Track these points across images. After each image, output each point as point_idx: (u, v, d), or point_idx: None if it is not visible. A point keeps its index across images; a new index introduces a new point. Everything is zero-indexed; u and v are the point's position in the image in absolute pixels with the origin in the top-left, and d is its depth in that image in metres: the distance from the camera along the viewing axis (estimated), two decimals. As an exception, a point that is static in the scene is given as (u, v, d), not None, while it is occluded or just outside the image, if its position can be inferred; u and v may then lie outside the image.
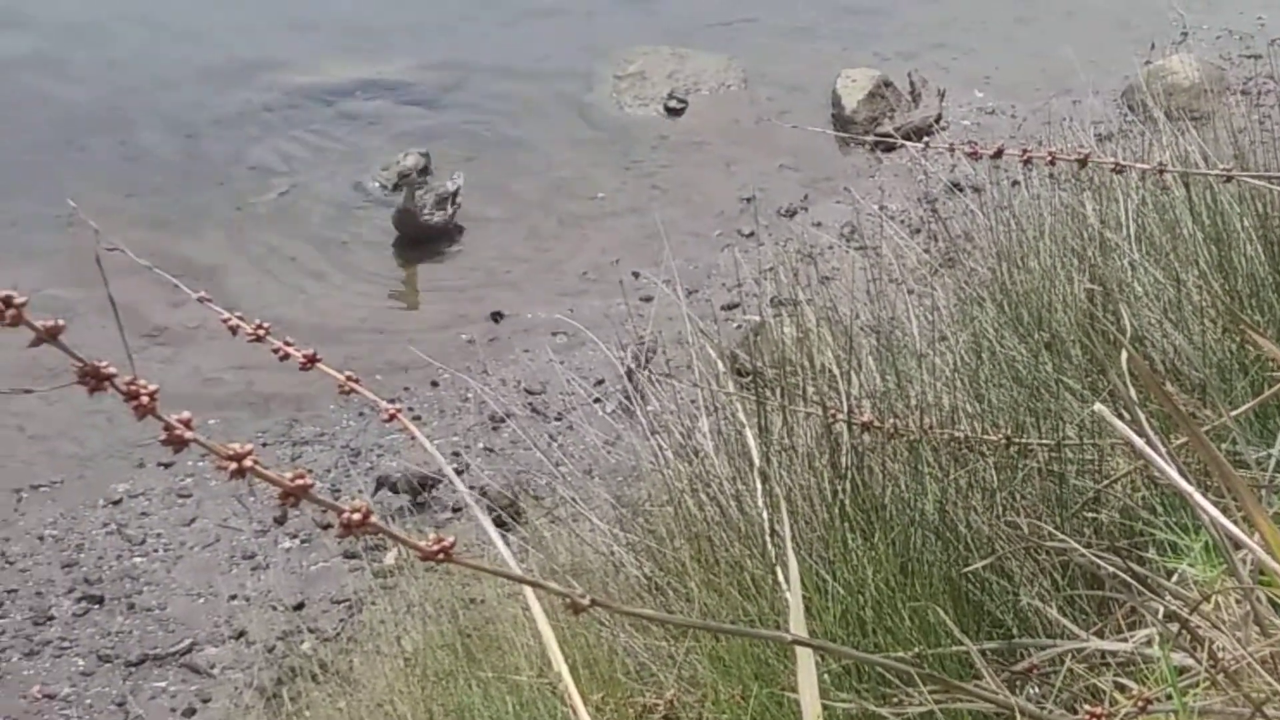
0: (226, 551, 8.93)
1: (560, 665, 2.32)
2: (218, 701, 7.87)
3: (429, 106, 13.85)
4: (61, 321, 2.14)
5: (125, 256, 2.75)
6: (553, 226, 12.28)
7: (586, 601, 2.05)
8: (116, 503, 9.28)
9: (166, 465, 9.55)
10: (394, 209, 11.80)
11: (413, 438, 2.98)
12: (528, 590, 2.63)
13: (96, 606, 8.53)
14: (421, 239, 11.83)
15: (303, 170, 12.79)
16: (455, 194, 11.90)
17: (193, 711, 7.83)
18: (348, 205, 12.45)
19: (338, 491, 9.27)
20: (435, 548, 2.30)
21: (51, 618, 8.45)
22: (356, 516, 2.15)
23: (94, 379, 2.17)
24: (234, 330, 2.51)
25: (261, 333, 2.47)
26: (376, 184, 12.56)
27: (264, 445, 9.65)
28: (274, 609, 8.42)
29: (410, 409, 10.02)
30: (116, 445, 9.74)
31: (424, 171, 12.64)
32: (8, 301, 2.15)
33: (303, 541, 8.97)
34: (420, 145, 12.83)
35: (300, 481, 2.15)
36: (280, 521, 9.10)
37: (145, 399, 2.21)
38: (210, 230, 11.75)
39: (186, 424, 2.18)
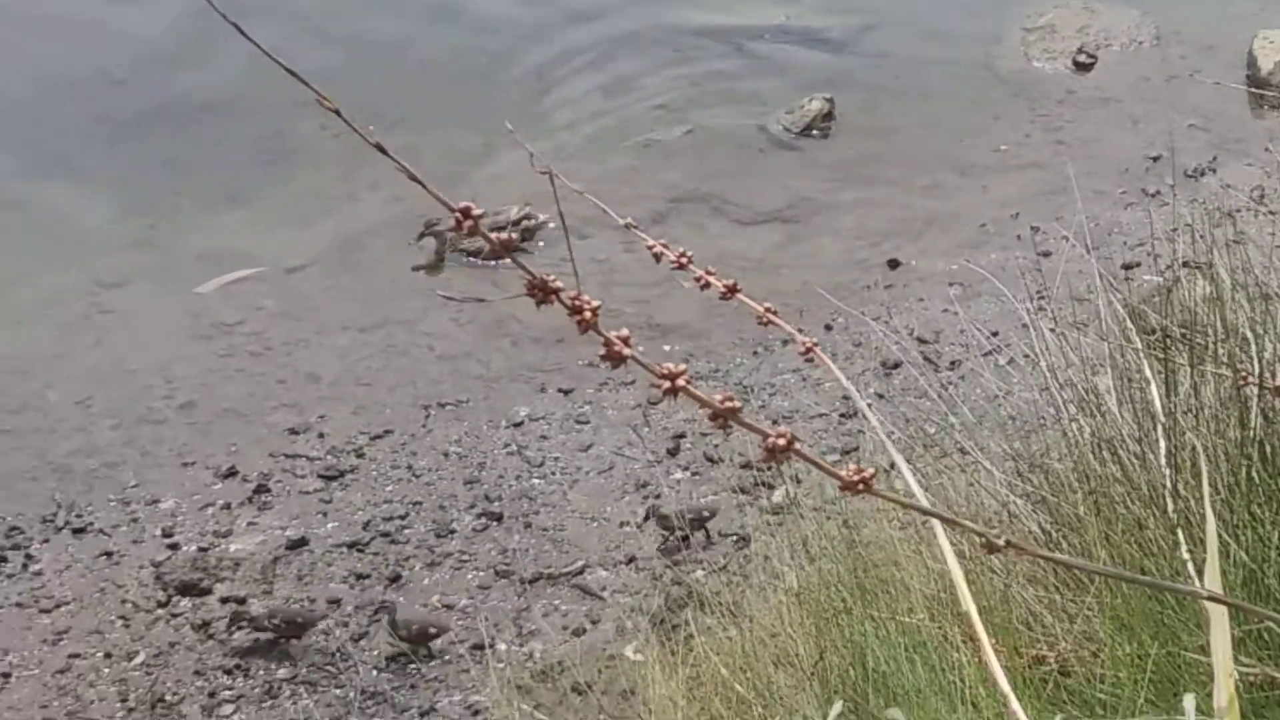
0: (620, 479, 9.17)
1: (969, 605, 2.35)
2: (606, 623, 8.10)
3: (834, 52, 13.84)
4: (514, 235, 2.25)
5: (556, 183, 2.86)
6: (953, 178, 12.18)
7: (1001, 542, 2.07)
8: (518, 425, 9.61)
9: (566, 392, 9.84)
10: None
11: (827, 371, 3.03)
12: (938, 529, 2.66)
13: (495, 523, 8.86)
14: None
15: (707, 110, 12.94)
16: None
17: (582, 631, 8.07)
18: (750, 146, 12.56)
19: (706, 434, 9.41)
20: (855, 478, 2.36)
21: (453, 531, 8.82)
22: (781, 441, 2.22)
23: (541, 291, 2.28)
24: (657, 258, 2.59)
25: (684, 260, 2.55)
26: (780, 127, 12.63)
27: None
28: (663, 537, 8.61)
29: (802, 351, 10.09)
30: (520, 369, 10.09)
31: (828, 116, 12.67)
32: (466, 212, 2.27)
33: (694, 474, 9.16)
34: (824, 90, 12.84)
35: (730, 404, 2.23)
36: (673, 453, 9.30)
37: (588, 314, 2.31)
38: (615, 159, 11.98)
39: (625, 341, 2.28)
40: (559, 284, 2.28)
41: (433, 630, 7.98)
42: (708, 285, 2.58)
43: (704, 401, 2.22)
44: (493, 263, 10.78)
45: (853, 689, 4.47)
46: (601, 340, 2.28)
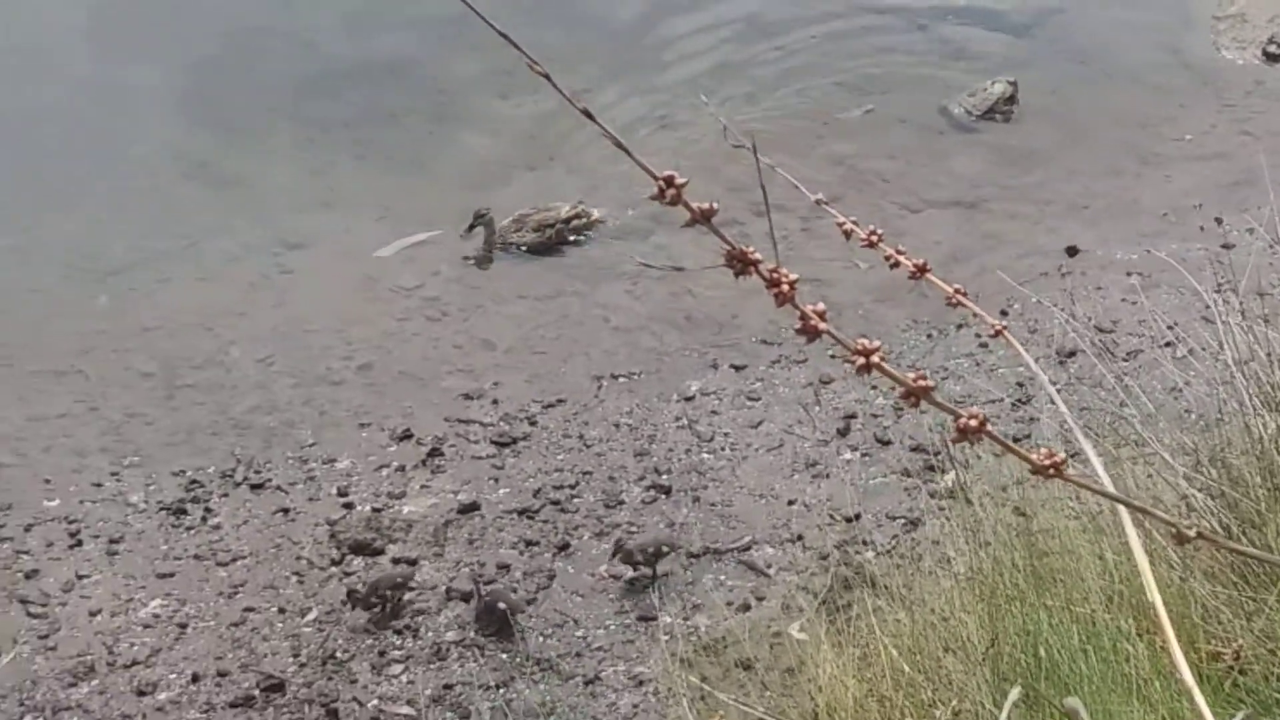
0: (789, 457, 9.17)
1: (1155, 596, 2.33)
2: (771, 600, 8.11)
3: (1019, 35, 13.70)
4: (716, 205, 2.28)
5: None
6: (1135, 166, 12.01)
7: (1192, 533, 2.05)
8: (689, 399, 9.65)
9: (739, 368, 9.87)
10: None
11: (1016, 354, 3.02)
12: (1125, 518, 2.65)
13: (664, 496, 8.91)
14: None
15: (889, 91, 12.86)
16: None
17: (747, 607, 8.09)
18: (930, 128, 12.47)
19: (877, 416, 9.39)
20: (1047, 462, 2.35)
21: (622, 502, 8.88)
22: (974, 423, 2.22)
23: (740, 262, 2.30)
24: (847, 235, 2.60)
25: (875, 239, 2.56)
26: (961, 109, 12.52)
27: (832, 358, 9.84)
28: (831, 518, 8.61)
29: (977, 335, 10.03)
30: (693, 344, 10.13)
31: (1010, 100, 12.53)
32: (669, 181, 2.30)
33: (863, 455, 9.14)
34: (1008, 74, 12.71)
35: (922, 382, 2.23)
36: (843, 433, 9.28)
37: (785, 287, 2.33)
38: (796, 141, 11.94)
39: (821, 315, 2.29)
40: (758, 256, 2.31)
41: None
42: (897, 264, 2.58)
43: (897, 379, 2.23)
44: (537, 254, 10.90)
45: (1024, 676, 4.44)
46: (798, 313, 2.30)
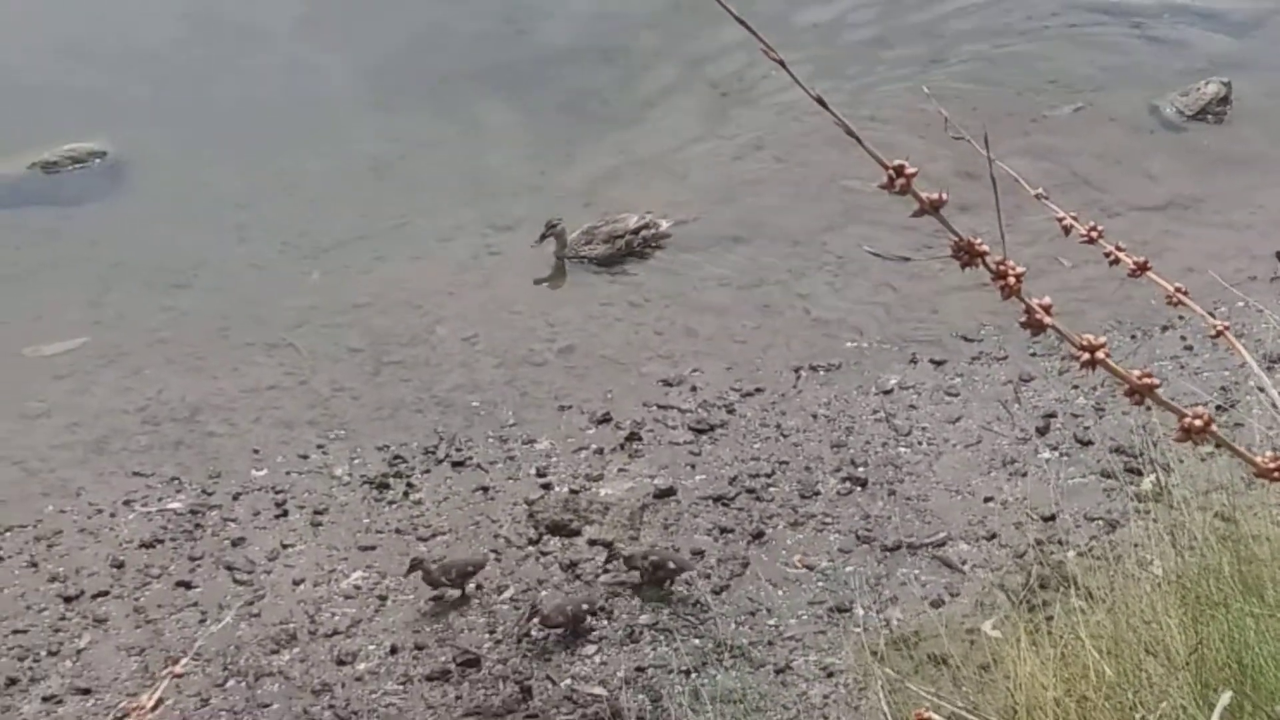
0: (987, 454, 9.12)
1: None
2: (965, 597, 8.08)
3: (1236, 35, 13.44)
4: (945, 195, 2.31)
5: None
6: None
7: None
8: (887, 392, 9.64)
9: (938, 363, 9.83)
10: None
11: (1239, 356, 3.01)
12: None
13: (859, 489, 8.91)
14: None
15: (1101, 88, 12.71)
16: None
17: (941, 603, 8.07)
18: (1141, 127, 12.30)
19: (1077, 416, 9.29)
20: (1273, 465, 2.35)
21: (817, 493, 8.89)
22: (1199, 422, 2.23)
23: (967, 254, 2.33)
24: (1067, 230, 2.60)
25: (1095, 234, 2.56)
26: (1173, 109, 12.32)
27: (1032, 356, 9.77)
28: (1028, 516, 8.55)
29: (1182, 338, 9.90)
30: (893, 337, 10.11)
31: (1224, 101, 12.31)
32: (899, 170, 2.34)
33: (1063, 454, 9.05)
34: (1222, 74, 12.48)
35: (1147, 380, 2.24)
36: (1042, 432, 9.20)
37: (1012, 280, 2.36)
38: (1005, 137, 11.83)
39: (1047, 309, 2.31)
40: (985, 247, 2.33)
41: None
42: (1117, 260, 2.58)
43: (1122, 376, 2.24)
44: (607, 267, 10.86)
45: (1228, 684, 4.40)
46: (1023, 307, 2.32)
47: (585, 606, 8.06)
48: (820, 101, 2.38)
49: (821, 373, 9.84)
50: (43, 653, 8.01)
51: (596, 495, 8.92)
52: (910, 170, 2.30)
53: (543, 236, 10.87)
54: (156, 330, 10.41)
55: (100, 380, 9.97)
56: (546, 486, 9.01)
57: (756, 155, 11.95)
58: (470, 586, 8.29)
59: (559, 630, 7.95)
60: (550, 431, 9.44)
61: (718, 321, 10.33)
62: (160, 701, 2.82)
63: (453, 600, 8.26)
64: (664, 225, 11.13)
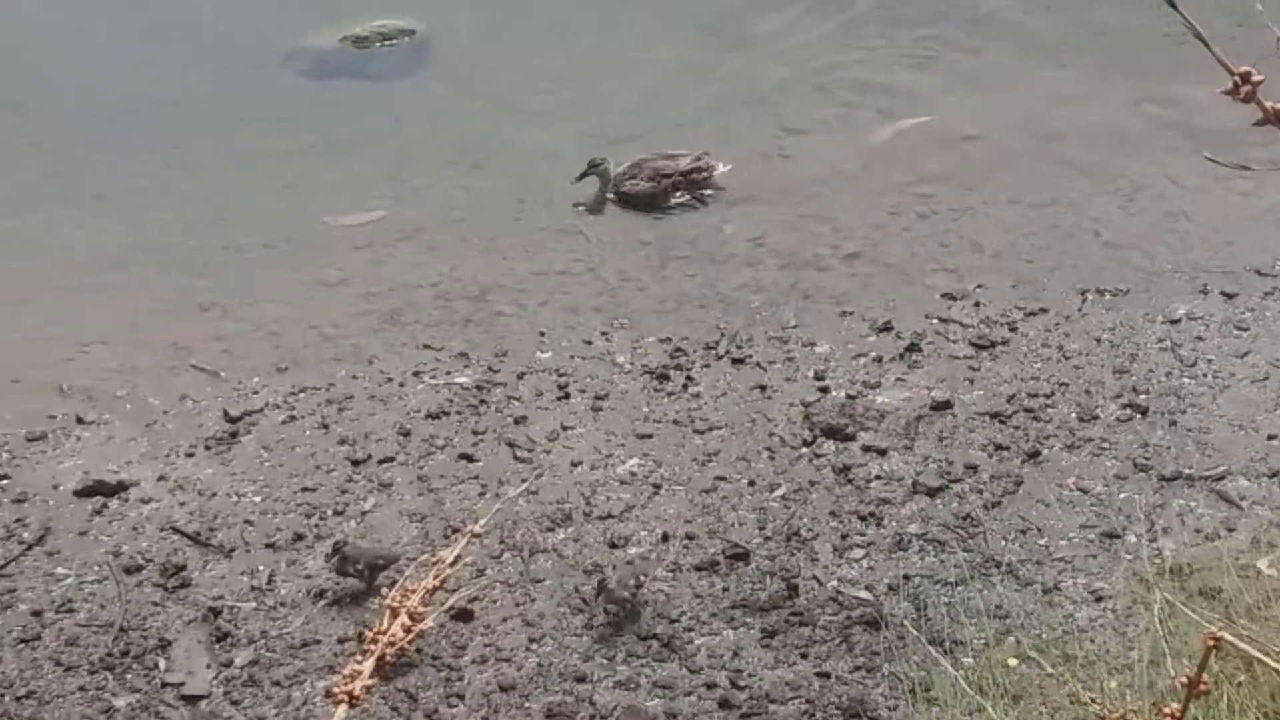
0: (1274, 391, 8.95)
1: None
2: (1241, 533, 7.97)
3: None
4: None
5: None
6: None
7: None
8: (1174, 322, 9.49)
9: (1229, 296, 9.66)
10: None
11: None
12: None
13: (1139, 416, 8.81)
14: None
15: None
16: None
17: (1215, 537, 7.95)
18: None
19: None
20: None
21: (1096, 417, 8.82)
22: None
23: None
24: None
25: None
26: None
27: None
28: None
29: None
30: (1184, 266, 9.95)
31: None
32: (1245, 77, 2.35)
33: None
34: None
35: None
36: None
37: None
38: None
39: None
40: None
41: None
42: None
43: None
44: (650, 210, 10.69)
45: None
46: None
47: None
48: (1170, 3, 2.40)
49: (1108, 297, 9.73)
50: (329, 511, 8.35)
51: (873, 402, 8.96)
52: (1257, 77, 2.32)
53: (583, 175, 10.68)
54: (453, 209, 10.73)
55: (396, 253, 10.30)
56: (824, 390, 9.08)
57: (1058, 71, 11.79)
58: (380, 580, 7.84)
59: (620, 608, 7.68)
60: (830, 336, 9.50)
61: (1005, 238, 10.27)
62: (459, 559, 2.99)
63: (364, 588, 7.86)
64: (721, 168, 10.81)
